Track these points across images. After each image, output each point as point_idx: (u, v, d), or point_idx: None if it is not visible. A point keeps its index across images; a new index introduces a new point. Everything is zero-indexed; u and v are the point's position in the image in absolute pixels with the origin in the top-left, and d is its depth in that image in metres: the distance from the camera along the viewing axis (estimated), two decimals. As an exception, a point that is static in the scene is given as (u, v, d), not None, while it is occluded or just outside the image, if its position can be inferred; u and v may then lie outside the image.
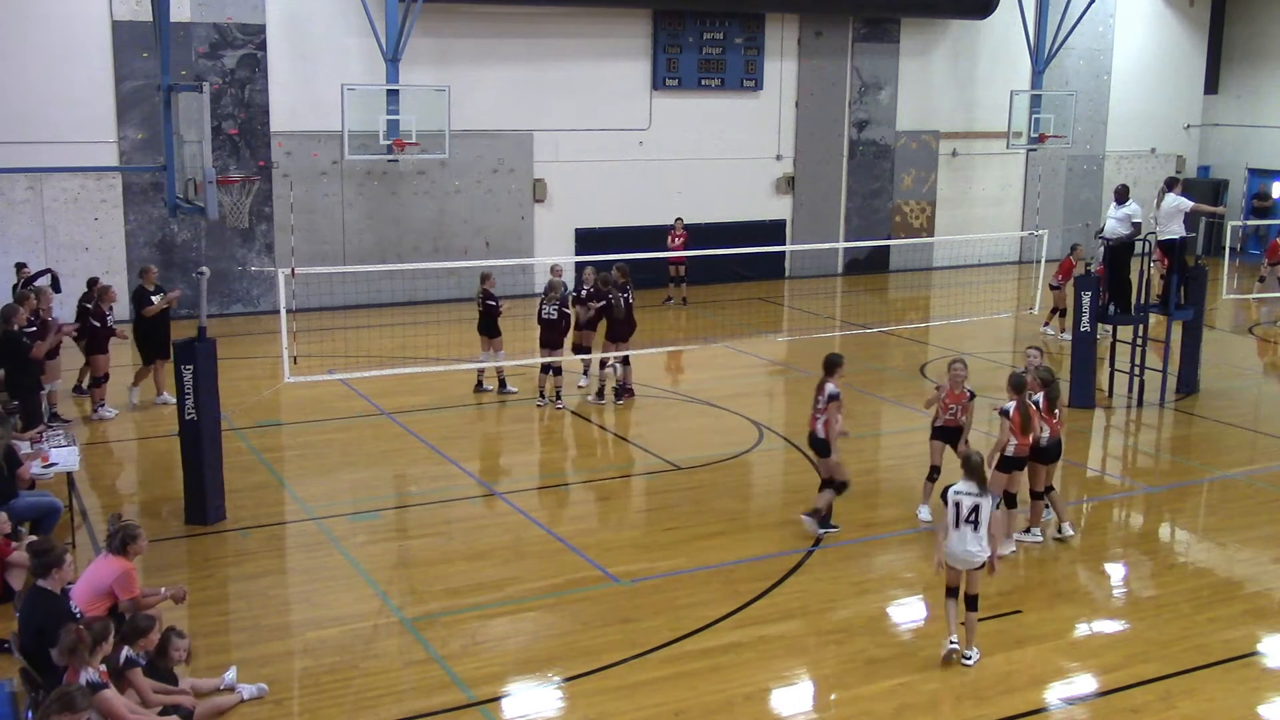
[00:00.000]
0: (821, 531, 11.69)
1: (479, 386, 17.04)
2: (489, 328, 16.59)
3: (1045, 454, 11.40)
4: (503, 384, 17.02)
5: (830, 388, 11.42)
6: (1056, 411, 11.53)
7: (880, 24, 27.70)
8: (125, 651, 7.72)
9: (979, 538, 9.03)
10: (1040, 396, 11.35)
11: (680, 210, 24.73)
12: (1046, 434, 11.30)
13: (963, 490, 9.10)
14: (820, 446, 11.60)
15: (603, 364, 16.55)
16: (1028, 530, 11.63)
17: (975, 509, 9.01)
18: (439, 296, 20.87)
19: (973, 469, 9.18)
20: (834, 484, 11.73)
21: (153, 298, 15.81)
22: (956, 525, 9.08)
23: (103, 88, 21.24)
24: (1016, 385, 11.17)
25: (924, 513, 12.18)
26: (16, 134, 20.59)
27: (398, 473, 14.11)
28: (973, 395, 12.06)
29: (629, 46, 25.38)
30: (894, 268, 28.74)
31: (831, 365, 11.53)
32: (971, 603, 9.20)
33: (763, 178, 27.18)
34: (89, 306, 15.74)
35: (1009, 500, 11.23)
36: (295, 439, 15.30)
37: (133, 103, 21.34)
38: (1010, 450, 11.12)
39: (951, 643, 9.17)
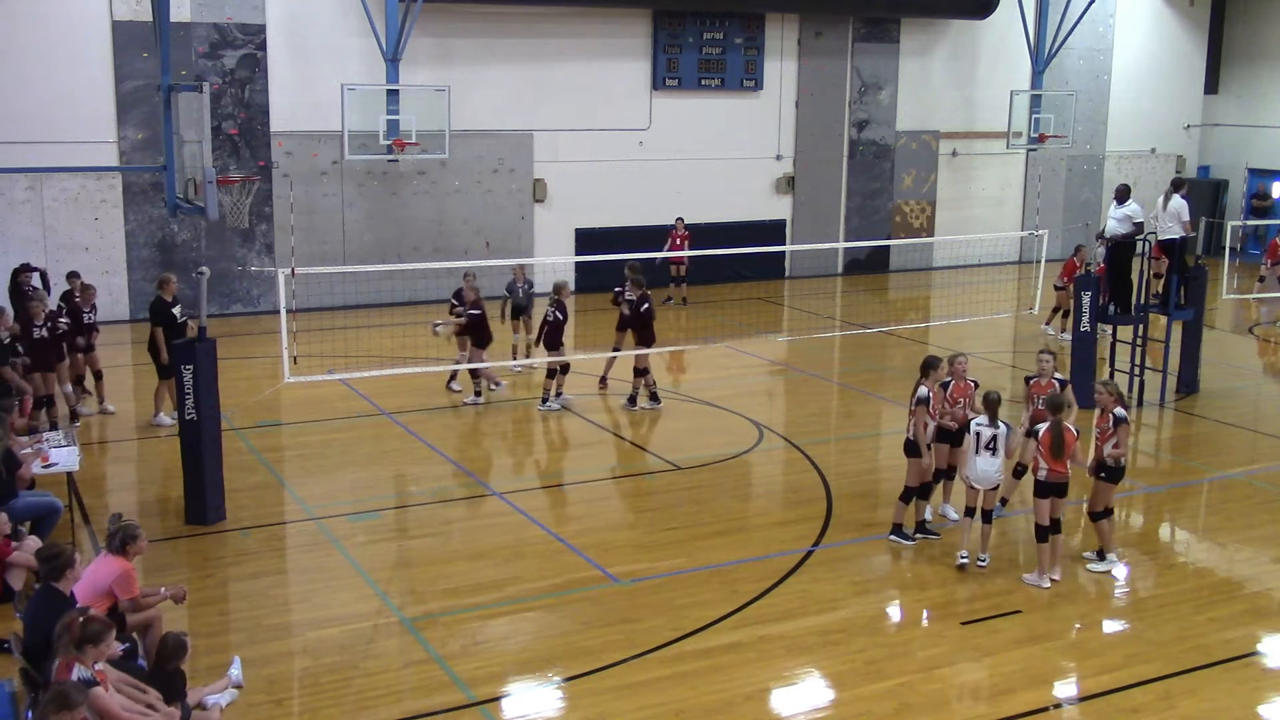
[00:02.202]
0: (919, 537, 11.58)
1: (483, 387, 17.00)
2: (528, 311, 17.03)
3: (1118, 474, 11.02)
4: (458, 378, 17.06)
5: (921, 390, 11.37)
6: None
7: (880, 24, 27.70)
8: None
9: (996, 461, 10.67)
10: (1122, 411, 10.92)
11: (680, 210, 24.72)
12: (1123, 453, 10.98)
13: (983, 423, 10.72)
14: (908, 448, 11.48)
15: (639, 371, 16.19)
16: (1102, 557, 11.06)
17: (994, 438, 10.63)
18: (439, 296, 20.77)
19: (991, 405, 10.70)
20: (906, 490, 11.54)
21: (173, 310, 15.08)
22: (977, 451, 10.70)
23: (103, 88, 21.24)
24: (1054, 405, 10.69)
25: (949, 511, 12.18)
26: (16, 134, 20.58)
27: (398, 473, 14.11)
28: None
29: (629, 46, 25.38)
30: (894, 268, 28.75)
31: (925, 367, 11.53)
32: (986, 517, 10.85)
33: (763, 178, 27.19)
34: (66, 305, 15.64)
35: (1045, 531, 10.60)
36: (295, 439, 15.30)
37: (133, 103, 21.34)
38: (1044, 475, 10.54)
39: (963, 557, 10.83)
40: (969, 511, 10.91)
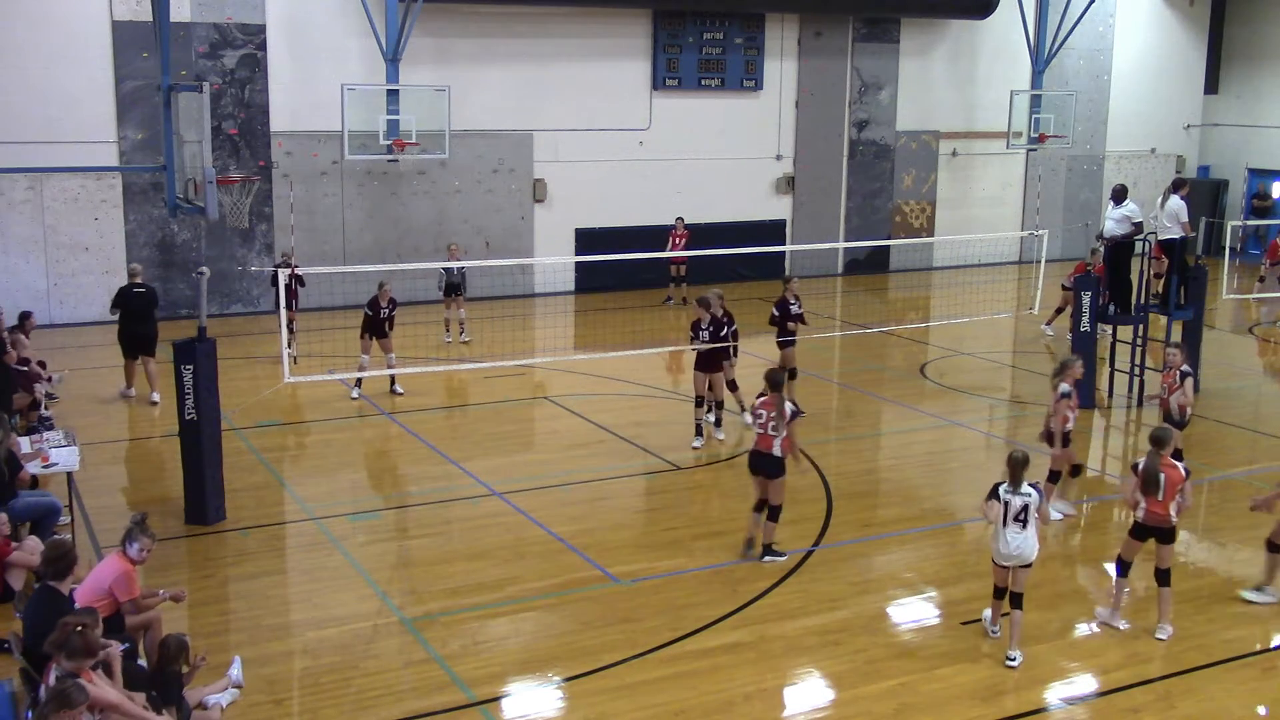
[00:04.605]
0: (776, 558, 11.08)
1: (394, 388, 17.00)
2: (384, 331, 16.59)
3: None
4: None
5: (790, 406, 10.95)
6: None
7: (880, 24, 27.71)
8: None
9: (1029, 533, 9.06)
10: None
11: (680, 210, 24.71)
12: None
13: (1010, 490, 9.10)
14: (775, 467, 10.90)
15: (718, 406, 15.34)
16: (1259, 589, 10.48)
17: (1024, 508, 9.04)
18: (439, 297, 20.86)
19: (1014, 466, 9.09)
20: (774, 509, 11.03)
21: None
22: (1005, 524, 9.11)
23: (103, 88, 21.25)
24: (1156, 439, 9.70)
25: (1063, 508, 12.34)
26: (16, 134, 20.60)
27: (398, 473, 14.12)
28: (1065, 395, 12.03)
29: (629, 46, 25.38)
30: (894, 268, 28.75)
31: (777, 383, 11.03)
32: (1016, 601, 9.20)
33: (763, 178, 27.20)
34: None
35: (1121, 568, 9.84)
36: (295, 439, 15.31)
37: (133, 103, 21.35)
38: (1140, 515, 9.62)
39: (994, 631, 9.44)
40: (997, 592, 9.41)
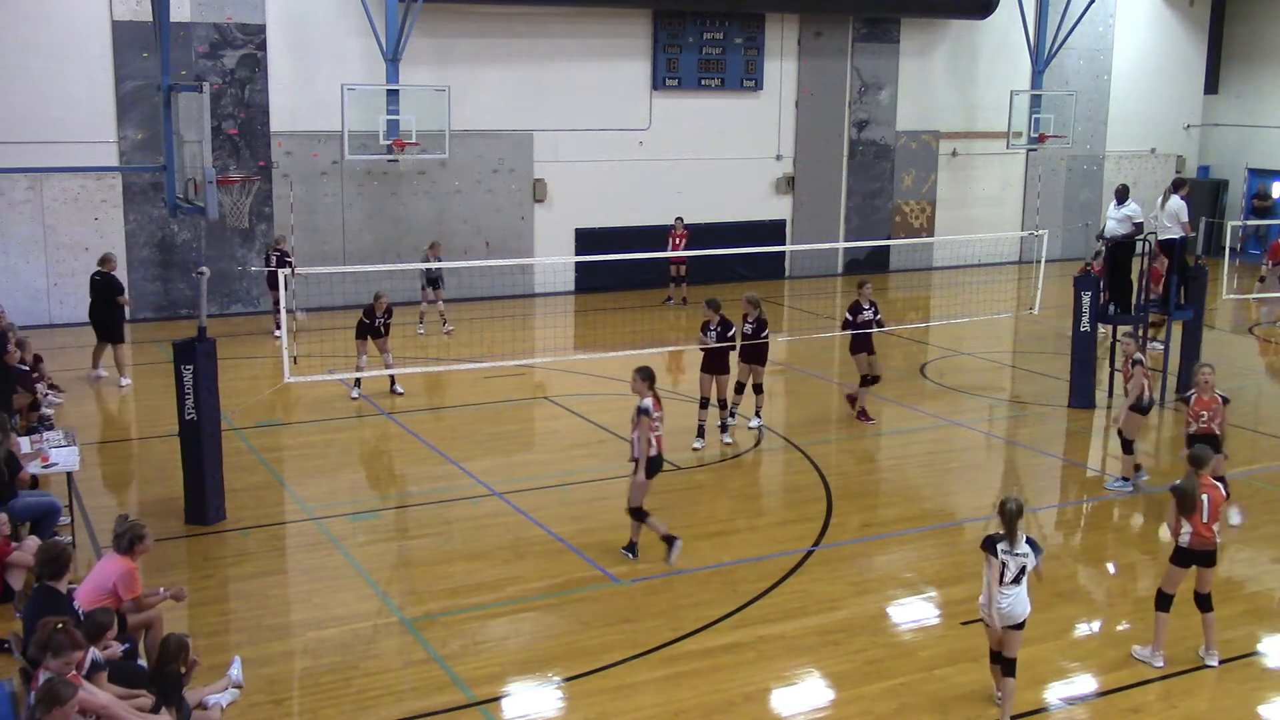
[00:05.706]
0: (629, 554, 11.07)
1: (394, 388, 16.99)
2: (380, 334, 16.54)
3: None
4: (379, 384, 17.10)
5: (646, 403, 10.73)
6: None
7: (880, 24, 27.71)
8: (92, 653, 7.66)
9: (1019, 593, 8.15)
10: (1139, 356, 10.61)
11: (680, 210, 24.71)
12: None
13: (1007, 548, 8.10)
14: (656, 466, 10.95)
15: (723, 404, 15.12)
16: None
17: (1022, 570, 8.13)
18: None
19: (1008, 519, 8.09)
20: (639, 512, 10.98)
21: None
22: (1002, 583, 8.13)
23: (103, 88, 21.24)
24: (1195, 459, 9.22)
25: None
26: (16, 134, 20.59)
27: (398, 473, 14.11)
28: (1226, 400, 11.93)
29: (629, 46, 25.38)
30: (894, 268, 28.74)
31: (648, 376, 10.90)
32: (1009, 667, 8.31)
33: (763, 178, 27.19)
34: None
35: (1163, 602, 9.25)
36: (295, 439, 15.30)
37: (133, 103, 21.34)
38: (1185, 540, 9.04)
39: (999, 698, 8.48)
40: (995, 656, 8.44)
